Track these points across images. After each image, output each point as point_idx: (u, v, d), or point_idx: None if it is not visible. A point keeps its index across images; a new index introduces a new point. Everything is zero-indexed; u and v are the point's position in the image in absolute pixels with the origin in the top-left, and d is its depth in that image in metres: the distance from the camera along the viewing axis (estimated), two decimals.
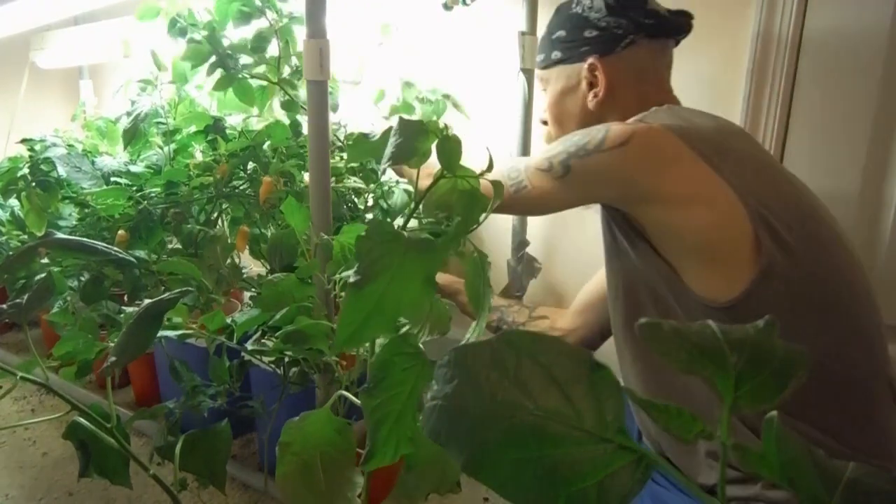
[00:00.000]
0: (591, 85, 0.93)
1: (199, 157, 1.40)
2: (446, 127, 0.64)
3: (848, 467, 0.30)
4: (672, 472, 0.32)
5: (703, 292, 0.76)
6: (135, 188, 1.34)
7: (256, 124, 1.37)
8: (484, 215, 0.65)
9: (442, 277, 1.24)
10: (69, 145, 1.47)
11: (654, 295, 0.82)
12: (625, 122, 0.83)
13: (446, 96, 1.47)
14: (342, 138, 1.35)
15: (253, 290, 1.26)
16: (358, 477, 0.68)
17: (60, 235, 0.96)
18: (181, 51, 1.23)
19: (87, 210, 1.35)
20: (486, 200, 0.65)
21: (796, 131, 1.17)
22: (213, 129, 1.35)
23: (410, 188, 1.40)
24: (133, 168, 1.40)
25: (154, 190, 1.33)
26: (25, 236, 1.55)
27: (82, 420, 0.78)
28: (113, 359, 0.75)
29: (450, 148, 0.63)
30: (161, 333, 0.96)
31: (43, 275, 0.86)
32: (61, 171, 1.36)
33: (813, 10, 1.12)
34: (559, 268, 1.54)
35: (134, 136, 1.36)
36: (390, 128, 0.65)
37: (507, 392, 0.34)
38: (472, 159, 0.67)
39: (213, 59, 1.22)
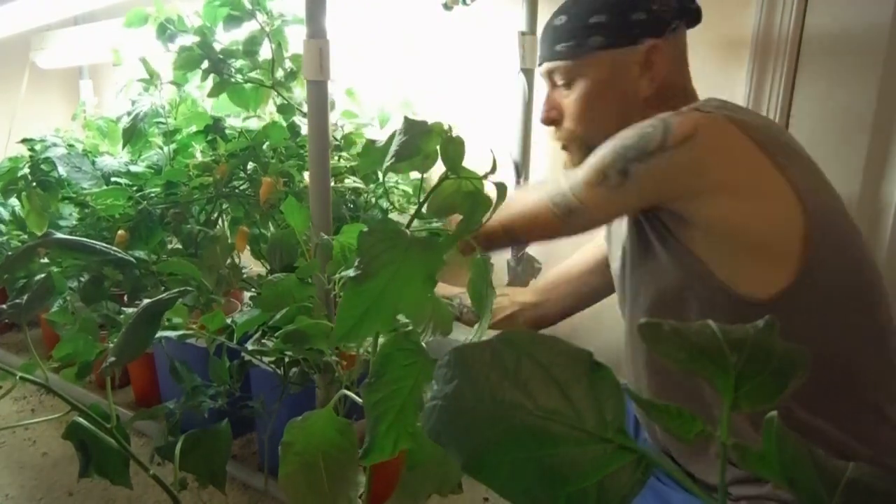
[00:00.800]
0: (644, 70, 0.85)
1: (199, 157, 1.40)
2: (450, 128, 0.64)
3: (848, 467, 0.30)
4: (674, 470, 0.32)
5: (742, 288, 0.74)
6: (135, 188, 1.34)
7: (256, 124, 1.37)
8: (486, 216, 0.66)
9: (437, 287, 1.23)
10: (69, 145, 1.47)
11: (681, 296, 0.79)
12: (678, 112, 0.78)
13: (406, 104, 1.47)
14: (339, 138, 1.35)
15: (253, 290, 1.26)
16: (360, 477, 0.68)
17: (60, 235, 0.96)
18: (174, 55, 1.23)
19: (87, 210, 1.35)
20: (489, 202, 0.65)
21: (796, 131, 1.17)
22: (213, 130, 1.35)
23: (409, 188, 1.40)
24: (133, 168, 1.40)
25: (154, 190, 1.33)
26: (26, 236, 1.55)
27: (82, 420, 0.78)
28: (112, 359, 0.75)
29: (453, 149, 0.63)
30: (161, 333, 0.96)
31: (43, 275, 0.87)
32: (61, 171, 1.36)
33: (813, 9, 1.12)
34: None
35: (133, 134, 1.36)
36: (395, 131, 0.66)
37: (507, 392, 0.34)
38: (472, 159, 0.67)
39: (205, 64, 1.21)
